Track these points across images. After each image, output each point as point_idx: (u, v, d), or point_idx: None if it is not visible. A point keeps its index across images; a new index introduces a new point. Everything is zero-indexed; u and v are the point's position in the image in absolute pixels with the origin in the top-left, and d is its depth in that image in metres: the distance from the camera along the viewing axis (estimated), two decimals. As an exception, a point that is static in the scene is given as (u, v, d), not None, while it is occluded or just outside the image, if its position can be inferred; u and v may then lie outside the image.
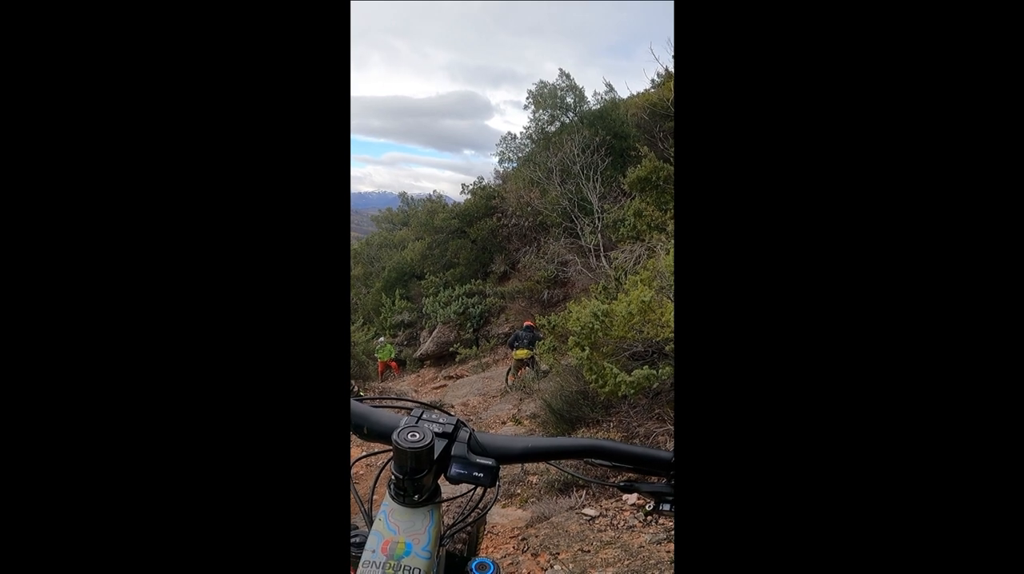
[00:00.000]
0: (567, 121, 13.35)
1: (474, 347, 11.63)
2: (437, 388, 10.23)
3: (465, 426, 0.70)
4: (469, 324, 12.46)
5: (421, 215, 16.50)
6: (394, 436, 0.62)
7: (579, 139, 11.65)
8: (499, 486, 0.69)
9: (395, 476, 0.63)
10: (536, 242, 12.47)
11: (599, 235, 10.58)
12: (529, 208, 12.62)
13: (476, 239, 14.12)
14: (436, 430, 0.66)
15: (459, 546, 1.05)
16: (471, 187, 15.57)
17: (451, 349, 11.90)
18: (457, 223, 14.73)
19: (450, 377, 10.90)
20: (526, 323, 9.58)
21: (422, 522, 0.62)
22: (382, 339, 12.30)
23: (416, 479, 0.62)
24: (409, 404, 0.73)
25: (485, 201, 14.57)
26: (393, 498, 0.64)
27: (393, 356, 12.09)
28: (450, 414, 0.71)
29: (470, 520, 0.75)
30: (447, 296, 13.02)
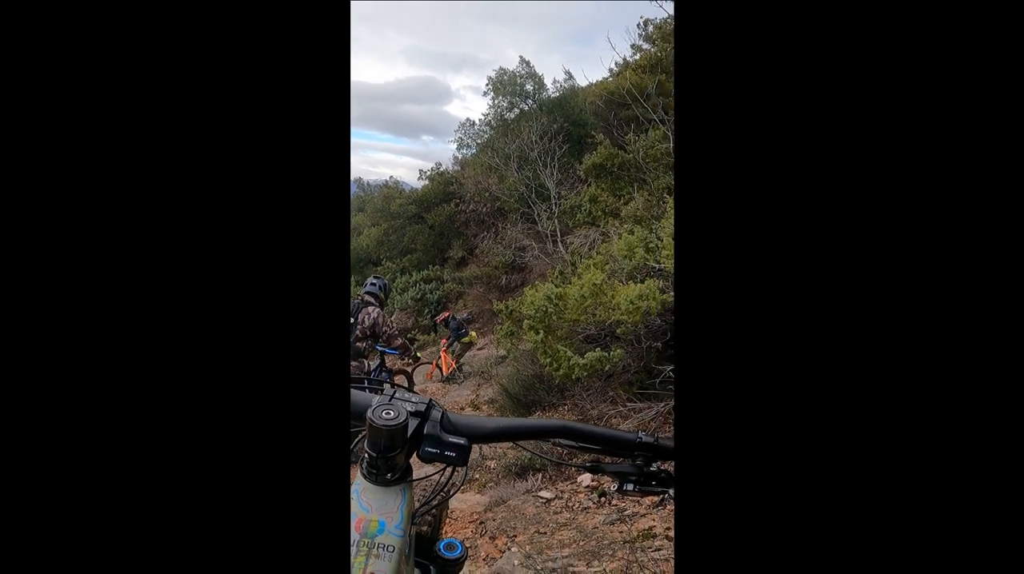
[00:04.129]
0: (526, 108, 13.34)
1: (432, 333, 11.58)
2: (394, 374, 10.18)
3: (437, 406, 0.70)
4: (427, 310, 12.38)
5: (377, 201, 16.24)
6: (368, 414, 0.62)
7: (537, 126, 11.68)
8: (467, 467, 0.69)
9: (368, 454, 0.63)
10: (494, 228, 12.44)
11: (556, 221, 10.65)
12: (487, 194, 12.62)
13: (434, 225, 14.03)
14: (409, 409, 0.66)
15: (424, 528, 1.07)
16: (429, 173, 15.46)
17: (409, 335, 11.83)
18: (414, 209, 14.59)
19: (409, 362, 10.84)
20: (448, 314, 9.44)
21: (394, 501, 0.63)
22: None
23: (389, 457, 0.62)
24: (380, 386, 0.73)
25: (443, 187, 14.45)
26: (365, 477, 0.64)
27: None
28: (421, 395, 0.71)
29: (437, 501, 0.76)
30: (404, 282, 12.91)
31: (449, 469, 0.75)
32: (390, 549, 0.59)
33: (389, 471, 0.63)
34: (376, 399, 0.67)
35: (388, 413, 0.62)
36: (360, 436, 0.65)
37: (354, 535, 0.59)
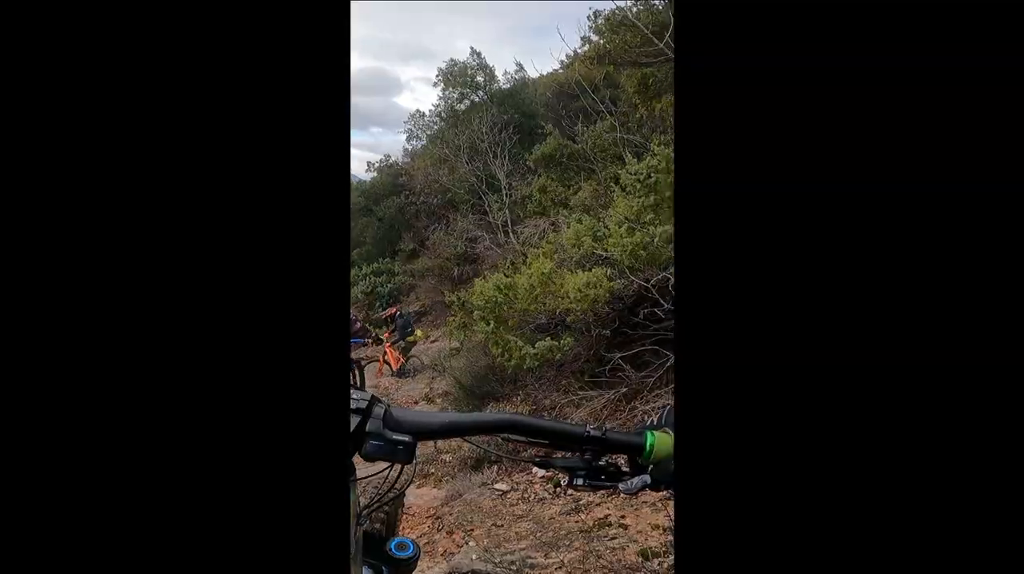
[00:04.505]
0: (477, 100, 13.22)
1: (383, 327, 11.45)
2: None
3: (380, 402, 0.68)
4: (378, 303, 12.24)
5: (324, 193, 15.87)
6: None
7: (488, 117, 11.63)
8: (416, 464, 0.68)
9: None
10: (445, 219, 12.30)
11: (507, 211, 10.65)
12: (437, 186, 12.51)
13: (383, 217, 13.83)
14: (351, 407, 0.65)
15: (377, 526, 1.05)
16: (377, 164, 15.24)
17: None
18: (363, 201, 14.33)
19: (359, 359, 10.70)
20: (395, 310, 9.47)
21: None
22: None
23: None
24: None
25: (392, 179, 14.25)
26: None
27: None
28: (363, 390, 0.69)
29: (387, 498, 0.74)
30: (354, 276, 12.69)
31: (396, 468, 0.73)
32: None
33: None
34: None
35: None
36: None
37: None
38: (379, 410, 0.67)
